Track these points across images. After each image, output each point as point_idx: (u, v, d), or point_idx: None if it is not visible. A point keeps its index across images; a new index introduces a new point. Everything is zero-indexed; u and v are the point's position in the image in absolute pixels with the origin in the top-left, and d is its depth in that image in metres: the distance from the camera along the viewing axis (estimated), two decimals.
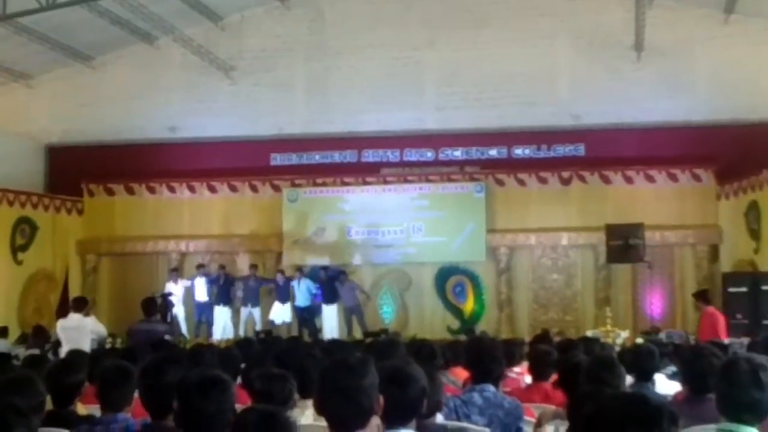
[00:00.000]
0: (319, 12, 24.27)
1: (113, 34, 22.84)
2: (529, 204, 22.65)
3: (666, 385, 7.72)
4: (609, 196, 22.32)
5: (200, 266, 22.96)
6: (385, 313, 23.19)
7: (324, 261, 23.18)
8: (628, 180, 22.57)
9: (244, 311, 22.52)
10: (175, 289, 22.12)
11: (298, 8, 24.46)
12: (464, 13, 23.41)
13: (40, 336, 18.80)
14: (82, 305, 14.91)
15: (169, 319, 17.93)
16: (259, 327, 22.08)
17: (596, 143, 23.03)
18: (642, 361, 7.46)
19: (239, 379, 7.76)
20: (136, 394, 5.53)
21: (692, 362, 6.03)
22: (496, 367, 6.41)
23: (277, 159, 24.43)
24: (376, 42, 23.55)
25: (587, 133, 23.15)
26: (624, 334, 18.17)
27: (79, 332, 13.89)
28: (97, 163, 24.22)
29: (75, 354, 8.82)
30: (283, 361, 7.15)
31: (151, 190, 24.34)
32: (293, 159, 24.40)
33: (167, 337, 13.40)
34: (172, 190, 24.26)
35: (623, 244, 19.62)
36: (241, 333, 21.84)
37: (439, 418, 5.26)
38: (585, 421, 3.05)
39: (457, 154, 23.91)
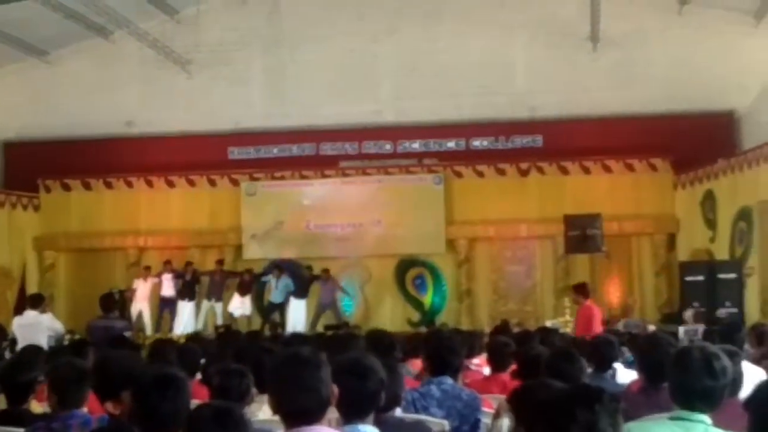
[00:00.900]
0: (276, 4, 24.16)
1: (68, 28, 22.62)
2: (488, 195, 22.67)
3: (625, 374, 7.77)
4: (567, 187, 22.41)
5: (167, 262, 22.80)
6: (346, 307, 23.16)
7: (283, 254, 23.13)
8: (586, 170, 22.68)
9: (205, 304, 22.45)
10: (143, 287, 22.04)
11: (254, 1, 24.35)
12: (422, 4, 23.39)
13: None
14: (38, 302, 14.82)
15: (126, 316, 17.88)
16: (220, 321, 22.04)
17: (554, 134, 23.13)
18: (601, 350, 7.53)
19: (199, 375, 7.74)
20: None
21: (648, 351, 6.08)
22: (454, 360, 6.45)
23: (235, 153, 24.37)
24: (333, 34, 23.50)
25: (544, 124, 23.26)
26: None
27: (36, 329, 13.79)
28: (53, 158, 24.00)
29: (29, 351, 8.72)
30: (242, 357, 7.13)
31: (108, 186, 24.17)
32: (251, 153, 24.34)
33: (126, 333, 13.34)
34: (129, 185, 24.11)
35: (581, 234, 19.71)
36: (200, 326, 21.78)
37: (398, 411, 5.27)
38: (532, 413, 3.08)
39: (416, 146, 23.94)
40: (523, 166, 22.89)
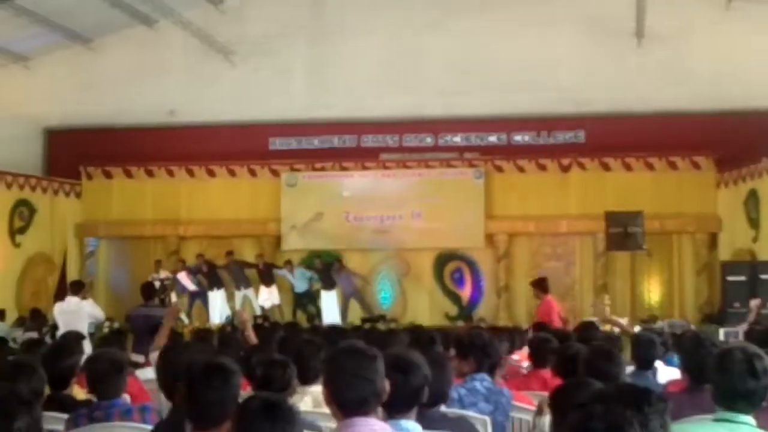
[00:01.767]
0: None
1: (113, 16, 22.80)
2: (529, 191, 22.57)
3: (666, 373, 7.70)
4: (608, 184, 22.25)
5: (181, 261, 22.99)
6: (383, 299, 23.18)
7: (322, 246, 23.18)
8: (628, 167, 22.52)
9: (238, 295, 22.58)
10: (158, 279, 22.20)
11: None
12: None
13: (37, 319, 18.80)
14: (79, 288, 14.94)
15: (167, 304, 17.97)
16: (257, 309, 22.17)
17: (596, 130, 22.97)
18: (642, 349, 7.48)
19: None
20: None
21: (693, 352, 6.01)
22: (495, 359, 6.48)
23: (276, 143, 24.39)
24: (377, 26, 23.48)
25: (587, 120, 23.11)
26: (622, 322, 18.15)
27: (77, 316, 13.91)
28: (95, 146, 24.13)
29: (70, 337, 8.79)
30: (284, 348, 7.14)
31: (150, 174, 24.27)
32: (292, 143, 24.37)
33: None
34: (170, 173, 24.20)
35: (622, 231, 19.57)
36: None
37: (442, 407, 5.25)
38: (579, 412, 3.03)
39: (457, 140, 23.87)
40: (565, 161, 22.76)
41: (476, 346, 6.47)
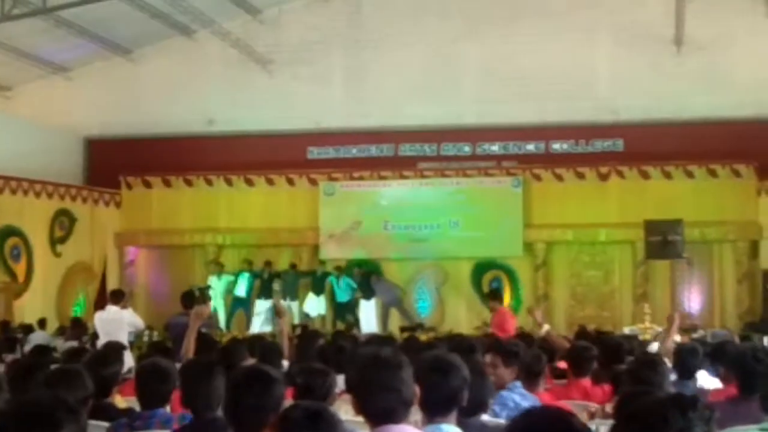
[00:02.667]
0: (358, 4, 24.20)
1: (152, 27, 23.01)
2: (567, 199, 22.48)
3: (708, 383, 7.66)
4: (647, 192, 22.11)
5: (248, 261, 22.98)
6: (421, 308, 23.17)
7: (360, 255, 23.21)
8: (667, 175, 22.37)
9: (282, 305, 22.48)
10: (217, 284, 22.20)
11: (336, 1, 24.42)
12: (504, 6, 23.26)
13: (78, 328, 18.91)
14: (119, 298, 15.01)
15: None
16: (297, 320, 22.14)
17: (635, 138, 22.87)
18: (684, 358, 7.45)
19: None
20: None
21: (740, 362, 5.98)
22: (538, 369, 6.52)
23: (314, 152, 24.46)
24: (414, 35, 23.48)
25: (626, 128, 23.01)
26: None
27: (117, 325, 13.97)
28: (135, 155, 24.33)
29: (112, 346, 8.86)
30: (325, 356, 7.16)
31: (189, 183, 24.39)
32: (330, 152, 24.42)
33: (204, 330, 13.42)
34: (209, 183, 24.30)
35: (662, 240, 19.45)
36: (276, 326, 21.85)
37: (484, 416, 5.23)
38: (627, 419, 3.05)
39: (495, 148, 23.83)
40: (603, 170, 22.64)
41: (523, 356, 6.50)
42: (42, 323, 19.90)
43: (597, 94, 22.83)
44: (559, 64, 22.84)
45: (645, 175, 22.47)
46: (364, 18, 24.13)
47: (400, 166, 23.79)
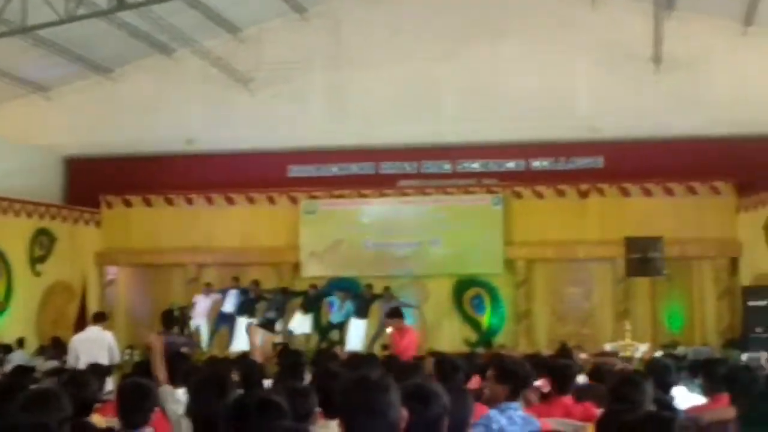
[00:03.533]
0: (338, 23, 24.29)
1: (132, 46, 23.02)
2: (547, 217, 22.55)
3: (687, 399, 7.69)
4: (628, 209, 22.19)
5: (235, 279, 22.94)
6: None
7: (341, 273, 23.18)
8: (647, 193, 22.47)
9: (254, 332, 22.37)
10: (204, 303, 22.13)
11: (316, 19, 24.50)
12: (483, 26, 23.38)
13: (58, 348, 18.82)
14: (101, 319, 14.95)
15: (186, 332, 17.95)
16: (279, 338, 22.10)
17: (615, 156, 22.98)
18: (660, 376, 7.48)
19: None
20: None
21: (746, 383, 6.06)
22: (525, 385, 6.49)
23: (295, 171, 24.46)
24: (394, 53, 23.56)
25: (606, 145, 23.10)
26: (643, 348, 18.10)
27: (98, 345, 13.91)
28: (115, 175, 24.31)
29: (93, 366, 8.84)
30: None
31: (169, 202, 24.37)
32: (311, 171, 24.43)
33: (184, 349, 13.39)
34: (189, 202, 24.29)
35: (642, 257, 19.50)
36: (259, 343, 21.76)
37: None
38: None
39: (475, 166, 23.89)
40: (583, 187, 22.72)
41: (518, 373, 6.46)
42: (21, 343, 19.83)
43: (577, 113, 22.94)
44: (538, 83, 22.95)
45: (625, 193, 22.57)
46: (344, 37, 24.21)
47: (380, 184, 23.81)
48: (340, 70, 24.18)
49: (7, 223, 21.87)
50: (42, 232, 22.76)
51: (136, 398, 5.64)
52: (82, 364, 12.17)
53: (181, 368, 8.73)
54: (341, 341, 21.86)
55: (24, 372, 9.62)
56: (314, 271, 23.47)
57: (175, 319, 14.17)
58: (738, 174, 21.87)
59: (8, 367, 13.79)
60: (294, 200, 23.80)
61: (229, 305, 22.46)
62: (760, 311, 19.30)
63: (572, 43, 23.08)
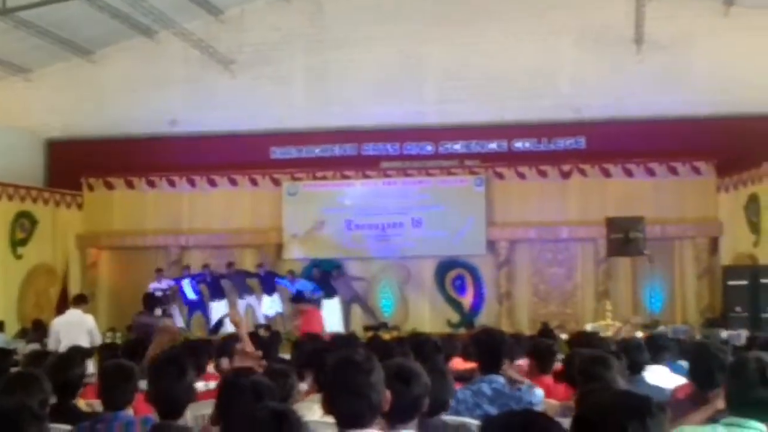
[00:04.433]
0: (320, 5, 24.21)
1: (113, 28, 22.87)
2: (529, 197, 22.63)
3: (666, 379, 7.71)
4: (609, 190, 22.29)
5: (186, 267, 23.04)
6: (385, 307, 23.19)
7: (323, 254, 23.21)
8: (628, 173, 22.54)
9: (241, 303, 22.44)
10: (159, 288, 22.12)
11: (298, 1, 24.40)
12: (466, 6, 23.35)
13: (39, 330, 18.79)
14: (82, 301, 14.93)
15: (168, 314, 17.97)
16: (259, 314, 22.20)
17: (597, 136, 23.01)
18: (631, 354, 7.52)
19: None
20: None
21: (698, 358, 6.06)
22: (504, 358, 6.50)
23: (277, 152, 24.42)
24: (376, 35, 23.49)
25: (588, 126, 23.13)
26: (624, 328, 18.18)
27: (79, 328, 13.90)
28: (96, 157, 24.18)
29: (76, 348, 8.84)
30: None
31: (151, 184, 24.32)
32: (293, 152, 24.39)
33: (166, 321, 13.39)
34: (171, 184, 24.24)
35: (623, 237, 19.56)
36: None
37: (444, 415, 5.26)
38: (580, 420, 3.08)
39: (457, 147, 23.89)
40: (565, 168, 22.78)
41: (489, 346, 6.50)
42: (1, 326, 19.81)
43: (559, 93, 22.96)
44: (520, 64, 22.96)
45: (606, 173, 22.63)
46: (326, 18, 24.14)
47: (362, 165, 23.81)
48: (322, 52, 24.12)
49: None
50: (23, 215, 22.68)
51: (119, 380, 5.64)
52: (62, 347, 12.16)
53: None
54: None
55: (5, 355, 9.59)
56: (296, 252, 23.51)
57: (156, 301, 14.17)
58: (719, 154, 21.96)
59: None
60: (276, 182, 23.78)
61: (190, 293, 22.51)
62: (740, 290, 19.40)
63: (554, 24, 23.07)
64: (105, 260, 24.53)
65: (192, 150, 24.10)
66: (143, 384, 5.49)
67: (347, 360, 3.91)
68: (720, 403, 5.04)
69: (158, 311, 14.59)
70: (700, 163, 22.26)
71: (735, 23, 22.25)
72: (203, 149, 24.08)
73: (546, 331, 13.35)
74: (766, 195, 20.13)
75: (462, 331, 20.67)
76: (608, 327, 17.77)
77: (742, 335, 16.30)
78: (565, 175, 22.78)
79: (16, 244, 22.46)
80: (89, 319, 14.46)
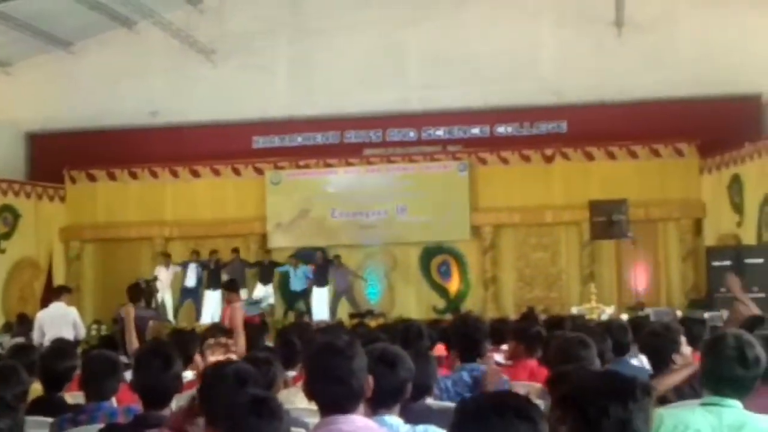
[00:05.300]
0: None
1: (92, 19, 22.77)
2: (513, 182, 22.62)
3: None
4: (592, 173, 22.31)
5: (195, 252, 22.86)
6: (371, 294, 23.19)
7: (308, 243, 23.18)
8: (611, 156, 22.56)
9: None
10: (165, 275, 22.02)
11: None
12: None
13: (24, 324, 18.72)
14: (64, 292, 14.89)
15: (153, 305, 17.90)
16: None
17: (579, 120, 23.03)
18: (615, 335, 7.53)
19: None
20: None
21: (650, 342, 6.14)
22: (483, 345, 6.48)
23: (260, 142, 24.39)
24: (358, 22, 23.41)
25: (569, 109, 23.16)
26: (609, 310, 18.27)
27: (63, 321, 13.87)
28: (78, 149, 24.10)
29: (65, 341, 8.83)
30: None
31: (134, 176, 24.24)
32: (276, 141, 24.36)
33: (152, 322, 13.36)
34: (154, 175, 24.17)
35: (607, 220, 19.64)
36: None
37: (428, 399, 5.27)
38: (562, 400, 3.06)
39: (440, 133, 23.90)
40: (548, 152, 22.79)
41: (466, 334, 6.50)
42: None
43: (539, 77, 22.92)
44: (501, 47, 22.89)
45: (589, 156, 22.65)
46: (307, 6, 24.06)
47: (345, 153, 23.78)
48: (303, 40, 24.05)
49: None
50: (5, 209, 22.62)
51: (102, 371, 5.63)
52: (47, 341, 12.14)
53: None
54: (308, 311, 21.92)
55: None
56: (281, 241, 23.48)
57: (142, 292, 14.11)
58: (701, 135, 21.97)
59: None
60: (259, 171, 23.73)
61: (191, 279, 22.43)
62: (723, 271, 19.34)
63: (535, 7, 23.07)
64: (89, 252, 24.44)
65: (174, 140, 24.05)
66: (128, 375, 5.47)
67: (329, 346, 3.90)
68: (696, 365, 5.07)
69: (143, 303, 14.48)
70: (682, 145, 22.29)
71: (716, 3, 22.28)
72: (185, 140, 24.02)
73: (529, 315, 13.33)
74: (748, 175, 20.21)
75: (448, 317, 20.68)
76: (593, 310, 17.84)
77: (724, 316, 16.33)
78: (548, 159, 22.79)
79: (0, 238, 22.39)
80: (73, 311, 14.42)
